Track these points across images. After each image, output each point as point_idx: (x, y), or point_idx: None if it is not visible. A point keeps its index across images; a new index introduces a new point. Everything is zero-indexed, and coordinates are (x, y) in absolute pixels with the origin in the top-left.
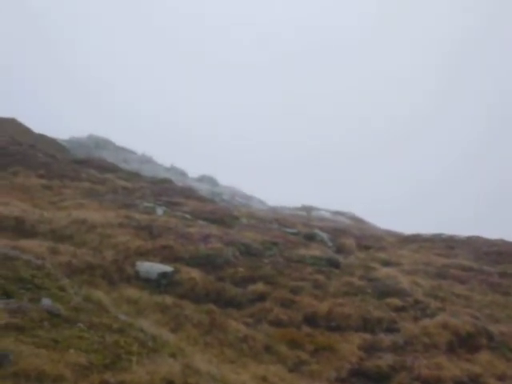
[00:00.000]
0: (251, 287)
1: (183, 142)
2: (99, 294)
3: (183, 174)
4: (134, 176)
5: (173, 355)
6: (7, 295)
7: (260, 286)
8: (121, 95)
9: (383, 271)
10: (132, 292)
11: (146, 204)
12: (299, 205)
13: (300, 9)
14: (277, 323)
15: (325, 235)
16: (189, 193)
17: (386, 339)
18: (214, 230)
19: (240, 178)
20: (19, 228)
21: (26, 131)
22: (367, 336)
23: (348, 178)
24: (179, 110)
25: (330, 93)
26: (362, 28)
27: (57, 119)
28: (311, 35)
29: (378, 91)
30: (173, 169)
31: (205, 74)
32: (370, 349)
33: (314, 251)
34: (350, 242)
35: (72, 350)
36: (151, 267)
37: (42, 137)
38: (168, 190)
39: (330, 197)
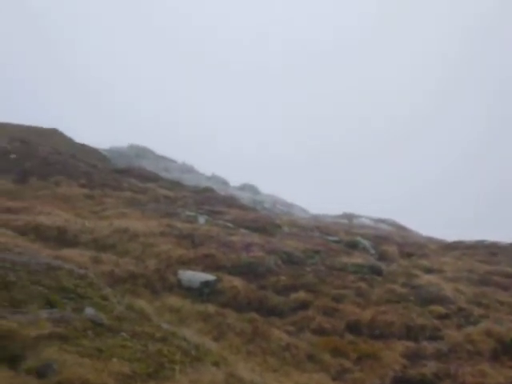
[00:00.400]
0: (293, 295)
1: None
2: (142, 303)
3: (224, 182)
4: (176, 185)
5: (216, 364)
6: (51, 305)
7: (302, 295)
8: (121, 95)
9: (426, 278)
10: (174, 301)
11: (187, 213)
12: (340, 212)
13: (300, 9)
14: (319, 331)
15: (367, 243)
16: (230, 201)
17: (429, 347)
18: (255, 238)
19: (281, 185)
20: (61, 238)
21: (68, 141)
22: (410, 344)
23: (347, 178)
24: (180, 111)
25: (330, 93)
26: (362, 28)
27: (57, 119)
28: (311, 35)
29: (378, 91)
30: (214, 177)
31: (205, 75)
32: (414, 356)
33: (357, 259)
34: (392, 249)
35: (115, 359)
36: (193, 276)
37: (83, 147)
38: (210, 199)
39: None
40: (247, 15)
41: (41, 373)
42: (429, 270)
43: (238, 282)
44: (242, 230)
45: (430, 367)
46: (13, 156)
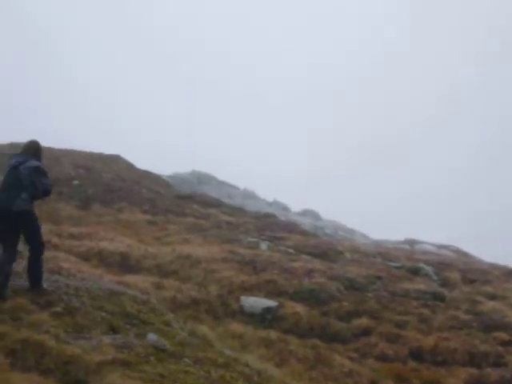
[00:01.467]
0: (356, 322)
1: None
2: (204, 329)
3: (285, 208)
4: (238, 211)
5: None
6: (114, 330)
7: (364, 321)
8: (124, 120)
9: (489, 305)
10: (236, 327)
11: (249, 239)
12: (402, 238)
13: (314, 32)
14: (382, 358)
15: (429, 269)
16: (292, 227)
17: (493, 374)
18: (317, 264)
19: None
20: (124, 263)
21: (131, 167)
22: (474, 371)
23: (410, 204)
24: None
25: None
26: (376, 47)
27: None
28: (309, 63)
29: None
30: (275, 203)
31: (239, 102)
32: None
33: (419, 285)
34: (454, 275)
35: None
36: (255, 302)
37: (146, 173)
38: (271, 225)
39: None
40: (266, 41)
41: None
42: (492, 297)
43: (300, 308)
44: (304, 256)
45: None
46: (76, 182)
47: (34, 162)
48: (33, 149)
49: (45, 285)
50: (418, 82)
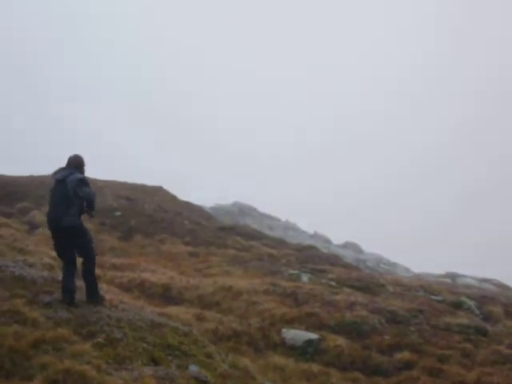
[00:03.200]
0: (397, 355)
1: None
2: (245, 361)
3: (327, 240)
4: (279, 243)
5: None
6: (155, 362)
7: (406, 354)
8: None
9: None
10: (278, 359)
11: (291, 271)
12: (443, 272)
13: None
14: None
15: (471, 303)
16: (334, 260)
17: None
18: (359, 297)
19: (384, 244)
20: (166, 295)
21: (173, 199)
22: None
23: (450, 236)
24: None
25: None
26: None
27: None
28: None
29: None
30: (316, 235)
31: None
32: None
33: (461, 319)
34: (497, 309)
35: None
36: (297, 335)
37: (187, 204)
38: (313, 257)
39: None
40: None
41: None
42: None
43: (341, 341)
44: (346, 289)
45: None
46: (118, 213)
47: (78, 175)
48: (77, 162)
49: (101, 292)
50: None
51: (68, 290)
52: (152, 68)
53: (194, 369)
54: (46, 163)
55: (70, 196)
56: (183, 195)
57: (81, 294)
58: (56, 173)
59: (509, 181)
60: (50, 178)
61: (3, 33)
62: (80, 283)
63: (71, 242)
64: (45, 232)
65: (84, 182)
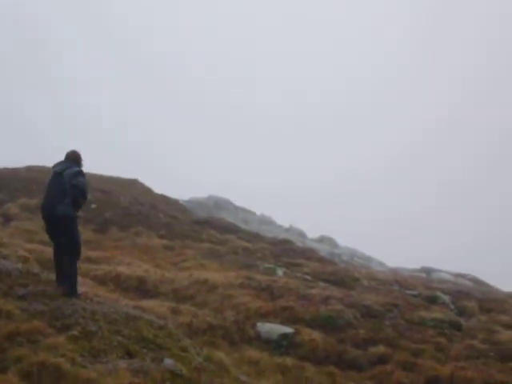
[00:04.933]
0: (372, 349)
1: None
2: (220, 355)
3: (302, 234)
4: (255, 237)
5: None
6: (130, 355)
7: (381, 348)
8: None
9: (506, 334)
10: (253, 353)
11: (266, 265)
12: (418, 266)
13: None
14: None
15: (446, 297)
16: (309, 254)
17: None
18: (334, 291)
19: (359, 238)
20: (141, 288)
21: (148, 192)
22: None
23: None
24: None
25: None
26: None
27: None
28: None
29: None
30: (292, 229)
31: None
32: None
33: (436, 313)
34: (471, 304)
35: None
36: (272, 328)
37: (163, 197)
38: (288, 251)
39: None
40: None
41: None
42: (509, 326)
43: (316, 335)
44: (321, 283)
45: None
46: (94, 206)
47: (76, 168)
48: (75, 157)
49: (79, 291)
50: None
51: (57, 268)
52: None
53: (168, 362)
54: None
55: (66, 188)
56: (158, 188)
57: (54, 286)
58: (55, 166)
59: (483, 179)
60: (25, 171)
61: (30, 20)
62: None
63: (62, 230)
64: (19, 225)
65: (81, 173)
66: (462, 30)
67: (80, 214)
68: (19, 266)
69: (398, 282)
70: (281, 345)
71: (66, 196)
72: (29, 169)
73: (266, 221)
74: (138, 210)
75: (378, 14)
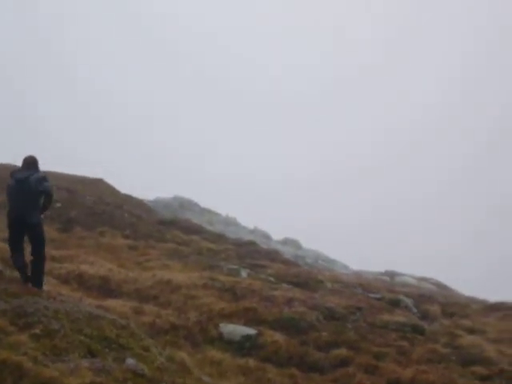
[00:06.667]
0: (334, 352)
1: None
2: (183, 355)
3: (267, 236)
4: (219, 238)
5: None
6: (92, 354)
7: (343, 351)
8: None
9: (468, 339)
10: (215, 354)
11: (230, 266)
12: (382, 269)
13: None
14: None
15: (409, 301)
16: (273, 255)
17: None
18: (297, 293)
19: (323, 240)
20: (104, 287)
21: (113, 191)
22: None
23: (388, 236)
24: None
25: None
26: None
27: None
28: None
29: None
30: (256, 231)
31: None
32: None
33: (399, 317)
34: (434, 308)
35: None
36: (235, 329)
37: (128, 197)
38: (252, 253)
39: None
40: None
41: None
42: (471, 331)
43: (279, 336)
44: (284, 285)
45: None
46: (58, 205)
47: (40, 173)
48: (34, 162)
49: (44, 287)
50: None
51: (22, 267)
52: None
53: (130, 362)
54: None
55: (34, 195)
56: (123, 188)
57: (17, 284)
58: (15, 173)
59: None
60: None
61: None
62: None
63: (32, 236)
64: None
65: (45, 178)
66: None
67: (45, 212)
68: None
69: (361, 285)
70: (243, 346)
71: (35, 203)
72: None
73: (231, 222)
74: (102, 209)
75: None
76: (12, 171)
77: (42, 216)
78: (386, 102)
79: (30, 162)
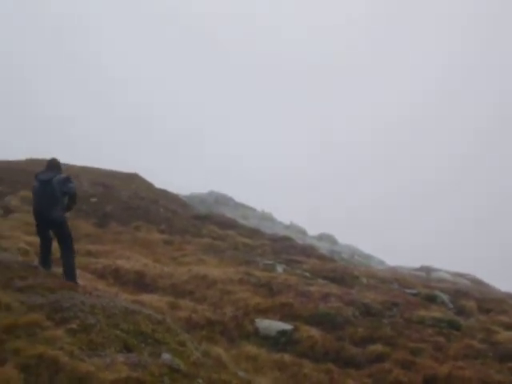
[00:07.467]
0: (371, 347)
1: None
2: (218, 350)
3: (302, 231)
4: (255, 233)
5: None
6: (128, 349)
7: (379, 347)
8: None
9: (505, 335)
10: (251, 349)
11: (266, 261)
12: (418, 265)
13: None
14: None
15: (445, 297)
16: (309, 251)
17: None
18: (333, 289)
19: (359, 236)
20: (140, 282)
21: (148, 186)
22: None
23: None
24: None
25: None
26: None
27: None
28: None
29: None
30: (292, 226)
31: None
32: None
33: (435, 313)
34: (470, 304)
35: None
36: (270, 325)
37: (163, 192)
38: (288, 248)
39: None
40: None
41: None
42: (508, 326)
43: (315, 332)
44: (320, 280)
45: None
46: (94, 200)
47: (63, 175)
48: (57, 165)
49: (79, 281)
50: None
51: (46, 263)
52: None
53: (166, 356)
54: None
55: (57, 195)
56: (158, 183)
57: (52, 279)
58: (40, 174)
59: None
60: (25, 164)
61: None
62: (56, 270)
63: (57, 233)
64: (20, 217)
65: (69, 179)
66: None
67: (81, 207)
68: (19, 258)
69: (397, 280)
70: (279, 341)
71: (57, 203)
72: (29, 161)
73: (267, 217)
74: (138, 204)
75: None
76: (36, 173)
77: (67, 215)
78: (394, 88)
79: (53, 164)
